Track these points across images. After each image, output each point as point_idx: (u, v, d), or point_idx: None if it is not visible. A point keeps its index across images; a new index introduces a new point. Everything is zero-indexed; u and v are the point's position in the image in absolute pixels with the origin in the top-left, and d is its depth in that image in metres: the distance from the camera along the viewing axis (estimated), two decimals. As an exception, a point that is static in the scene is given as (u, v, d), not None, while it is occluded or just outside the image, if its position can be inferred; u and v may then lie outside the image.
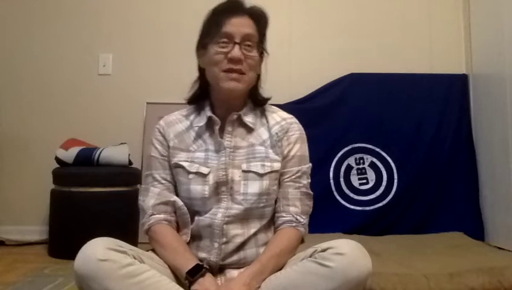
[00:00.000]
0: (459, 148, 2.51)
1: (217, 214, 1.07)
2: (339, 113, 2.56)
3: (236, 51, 1.06)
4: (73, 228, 2.13)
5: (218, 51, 1.08)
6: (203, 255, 1.07)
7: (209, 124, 1.14)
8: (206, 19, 1.14)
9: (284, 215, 1.11)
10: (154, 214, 1.10)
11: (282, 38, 2.62)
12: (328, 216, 2.34)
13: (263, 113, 1.18)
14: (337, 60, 2.66)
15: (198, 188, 1.08)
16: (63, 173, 2.27)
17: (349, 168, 2.54)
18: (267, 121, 1.17)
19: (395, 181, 2.49)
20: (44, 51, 2.69)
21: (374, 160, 2.53)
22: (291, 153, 1.14)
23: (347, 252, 0.89)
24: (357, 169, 2.54)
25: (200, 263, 1.00)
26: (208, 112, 1.14)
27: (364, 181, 2.52)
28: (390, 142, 2.53)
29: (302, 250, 1.04)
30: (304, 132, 1.18)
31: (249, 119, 1.14)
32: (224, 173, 1.08)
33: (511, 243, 2.11)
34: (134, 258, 0.92)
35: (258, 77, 1.17)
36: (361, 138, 2.55)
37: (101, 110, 2.66)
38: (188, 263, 0.99)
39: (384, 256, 1.80)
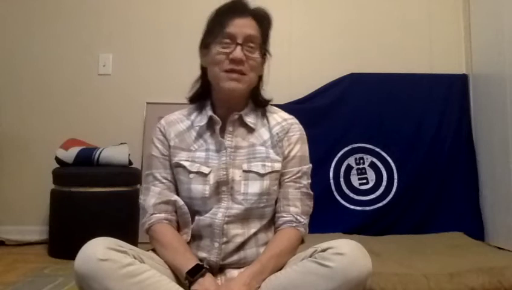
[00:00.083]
0: (459, 148, 2.51)
1: (217, 213, 1.07)
2: (339, 113, 2.56)
3: (238, 52, 1.07)
4: (73, 228, 2.13)
5: (220, 51, 1.08)
6: (203, 255, 1.07)
7: (210, 123, 1.14)
8: (210, 18, 1.14)
9: (284, 215, 1.11)
10: (155, 213, 1.10)
11: (283, 38, 2.62)
12: (328, 216, 2.34)
13: (264, 114, 1.18)
14: (337, 60, 2.66)
15: (199, 188, 1.08)
16: (63, 173, 2.27)
17: (349, 168, 2.54)
18: (268, 122, 1.17)
19: (395, 181, 2.49)
20: (44, 51, 2.69)
21: (374, 160, 2.53)
22: (292, 154, 1.14)
23: (347, 252, 0.89)
24: (357, 169, 2.54)
25: (200, 263, 1.00)
26: (208, 112, 1.14)
27: (364, 181, 2.52)
28: (390, 142, 2.53)
29: (302, 250, 1.04)
30: (304, 133, 1.19)
31: (250, 119, 1.15)
32: (224, 173, 1.08)
33: (511, 243, 2.11)
34: (135, 258, 0.92)
35: (260, 78, 1.17)
36: (361, 138, 2.55)
37: (101, 110, 2.66)
38: (188, 262, 0.99)
39: (384, 256, 1.80)
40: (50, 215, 2.29)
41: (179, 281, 0.99)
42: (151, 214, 1.10)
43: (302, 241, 1.12)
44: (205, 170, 1.09)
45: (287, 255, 1.04)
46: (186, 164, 1.11)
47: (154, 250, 1.09)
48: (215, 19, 1.12)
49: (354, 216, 2.44)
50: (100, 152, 2.29)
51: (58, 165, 2.31)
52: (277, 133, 1.15)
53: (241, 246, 1.07)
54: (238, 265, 1.07)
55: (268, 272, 0.99)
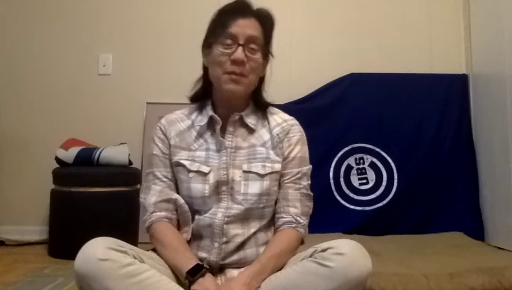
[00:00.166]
0: (459, 148, 2.51)
1: (217, 213, 1.07)
2: (339, 113, 2.56)
3: (239, 53, 1.06)
4: (73, 228, 2.13)
5: (222, 51, 1.08)
6: (203, 254, 1.07)
7: (211, 123, 1.14)
8: (212, 18, 1.14)
9: (284, 216, 1.11)
10: (156, 212, 1.10)
11: (283, 38, 2.60)
12: (328, 216, 2.34)
13: (264, 115, 1.19)
14: (337, 60, 2.66)
15: (199, 187, 1.09)
16: (63, 173, 2.27)
17: (349, 168, 2.54)
18: (269, 123, 1.17)
19: (395, 181, 2.49)
20: (44, 51, 2.69)
21: (374, 160, 2.53)
22: (292, 155, 1.14)
23: (347, 252, 0.89)
24: (357, 169, 2.54)
25: (200, 263, 1.00)
26: (209, 112, 1.14)
27: (364, 181, 2.52)
28: (390, 142, 2.53)
29: (302, 250, 1.04)
30: (304, 134, 1.19)
31: (250, 120, 1.15)
32: (225, 173, 1.09)
33: (511, 243, 2.11)
34: (135, 258, 0.92)
35: (262, 79, 1.17)
36: (361, 138, 2.55)
37: (101, 110, 2.66)
38: (188, 262, 0.99)
39: (384, 256, 1.80)
40: (50, 215, 2.29)
41: (178, 281, 0.99)
42: (152, 212, 1.10)
43: (302, 242, 1.12)
44: (205, 169, 1.09)
45: (287, 256, 1.04)
46: (186, 163, 1.11)
47: (154, 250, 1.09)
48: (218, 19, 1.12)
49: (354, 216, 2.44)
50: (100, 152, 2.29)
51: (58, 165, 2.31)
52: (277, 134, 1.15)
53: (241, 246, 1.07)
54: (238, 265, 1.07)
55: (268, 272, 0.99)
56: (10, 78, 2.68)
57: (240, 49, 1.07)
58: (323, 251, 0.92)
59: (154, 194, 1.12)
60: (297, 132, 1.17)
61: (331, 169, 2.51)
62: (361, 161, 2.54)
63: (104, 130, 2.59)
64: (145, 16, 2.71)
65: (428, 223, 2.42)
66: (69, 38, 2.70)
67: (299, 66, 2.64)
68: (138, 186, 2.32)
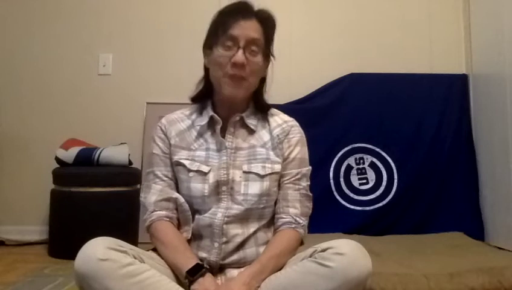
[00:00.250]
0: (459, 148, 2.51)
1: (217, 213, 1.07)
2: (339, 113, 2.56)
3: (239, 56, 1.06)
4: (73, 228, 2.13)
5: (223, 53, 1.08)
6: (203, 254, 1.07)
7: (211, 123, 1.14)
8: (214, 19, 1.14)
9: (284, 216, 1.11)
10: (156, 211, 1.10)
11: (283, 39, 2.59)
12: (328, 216, 2.34)
13: (265, 116, 1.19)
14: (337, 60, 2.66)
15: (199, 186, 1.09)
16: (63, 173, 2.27)
17: (349, 168, 2.54)
18: (269, 124, 1.17)
19: (395, 181, 2.49)
20: (44, 51, 2.69)
21: (374, 160, 2.53)
22: (292, 156, 1.14)
23: (347, 252, 0.89)
24: (357, 169, 2.54)
25: (200, 263, 1.00)
26: (210, 112, 1.14)
27: (364, 181, 2.52)
28: (390, 142, 2.53)
29: (302, 250, 1.04)
30: (304, 135, 1.19)
31: (251, 121, 1.15)
32: (225, 173, 1.09)
33: (511, 243, 2.11)
34: (135, 257, 0.92)
35: (263, 80, 1.17)
36: (361, 138, 2.55)
37: (101, 110, 2.66)
38: (188, 262, 0.99)
39: (384, 256, 1.80)
40: (50, 215, 2.29)
41: (179, 281, 0.99)
42: (152, 211, 1.11)
43: (302, 243, 1.12)
44: (205, 168, 1.09)
45: (287, 256, 1.05)
46: (186, 162, 1.11)
47: (154, 250, 1.09)
48: (219, 20, 1.12)
49: (354, 216, 2.44)
50: (100, 152, 2.29)
51: (58, 165, 2.31)
52: (277, 135, 1.15)
53: (240, 246, 1.07)
54: (238, 265, 1.07)
55: (268, 272, 0.99)
56: (10, 78, 2.68)
57: (240, 51, 1.06)
58: (323, 251, 0.92)
59: (154, 193, 1.12)
60: (297, 133, 1.17)
61: (331, 169, 2.51)
62: (361, 161, 2.54)
63: (104, 130, 2.60)
64: (145, 16, 2.71)
65: (428, 223, 2.42)
66: (69, 38, 2.70)
67: (299, 66, 2.63)
68: (138, 186, 2.32)
